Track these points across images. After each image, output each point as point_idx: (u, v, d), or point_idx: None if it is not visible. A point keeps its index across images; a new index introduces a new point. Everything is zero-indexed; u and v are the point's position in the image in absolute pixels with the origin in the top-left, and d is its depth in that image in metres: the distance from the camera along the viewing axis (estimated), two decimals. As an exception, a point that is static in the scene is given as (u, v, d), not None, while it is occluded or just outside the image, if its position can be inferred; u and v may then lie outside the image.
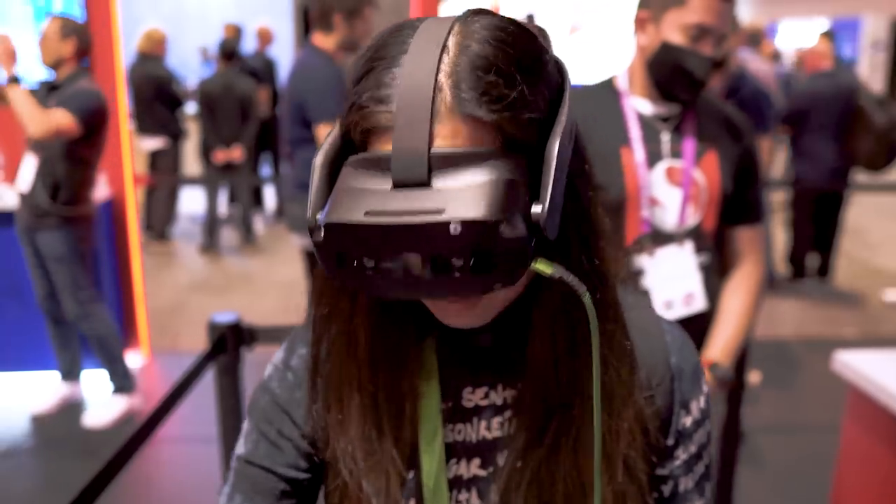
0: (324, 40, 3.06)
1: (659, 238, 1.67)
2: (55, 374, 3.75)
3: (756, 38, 5.89)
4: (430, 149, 0.59)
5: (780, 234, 6.41)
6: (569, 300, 0.69)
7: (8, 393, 3.85)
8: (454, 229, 0.57)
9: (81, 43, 3.34)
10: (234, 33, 7.57)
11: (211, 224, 6.55)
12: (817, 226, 5.93)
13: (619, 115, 1.68)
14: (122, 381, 3.64)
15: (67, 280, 3.39)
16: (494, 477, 0.76)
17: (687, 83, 1.63)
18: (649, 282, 1.66)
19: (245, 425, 0.83)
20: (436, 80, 0.60)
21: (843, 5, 14.46)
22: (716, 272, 1.75)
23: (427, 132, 0.59)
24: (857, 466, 2.06)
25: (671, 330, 0.82)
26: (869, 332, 5.10)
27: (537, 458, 0.73)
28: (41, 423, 3.58)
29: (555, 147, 0.62)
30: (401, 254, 0.59)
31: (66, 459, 3.30)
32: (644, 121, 1.68)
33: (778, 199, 7.57)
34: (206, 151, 6.43)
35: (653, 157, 1.66)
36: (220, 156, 6.26)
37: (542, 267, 0.62)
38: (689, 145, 1.68)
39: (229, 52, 6.35)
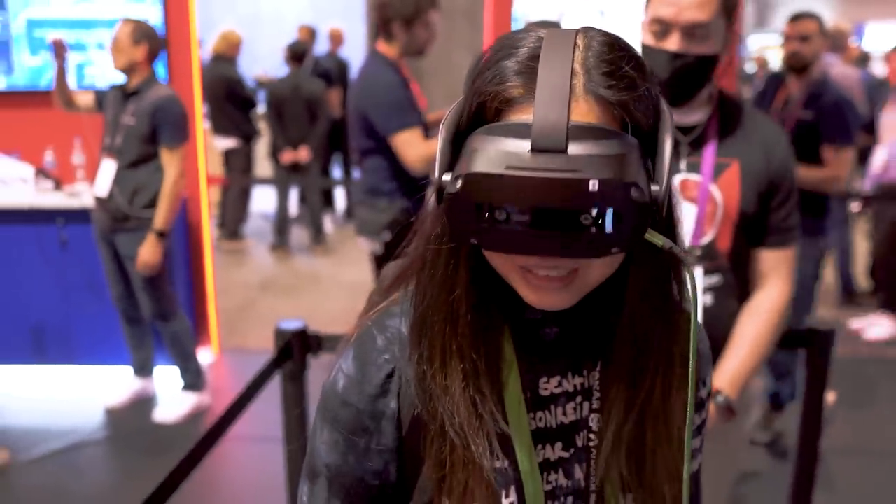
0: (386, 48, 3.05)
1: None
2: (128, 370, 3.85)
3: (839, 42, 5.68)
4: (568, 120, 0.66)
5: (861, 246, 6.17)
6: (657, 280, 0.78)
7: (82, 386, 3.97)
8: (592, 185, 0.64)
9: (153, 47, 3.38)
10: (309, 35, 7.68)
11: (281, 224, 6.64)
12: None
13: None
14: (194, 379, 3.71)
15: (146, 280, 3.46)
16: (576, 457, 0.83)
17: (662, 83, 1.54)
18: None
19: (325, 433, 0.85)
20: (571, 67, 0.69)
21: (933, 7, 13.87)
22: (731, 294, 1.64)
23: (566, 106, 0.67)
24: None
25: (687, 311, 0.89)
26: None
27: (630, 427, 0.81)
28: (113, 417, 3.68)
29: (668, 135, 0.73)
30: (537, 206, 0.66)
31: (137, 453, 3.38)
32: None
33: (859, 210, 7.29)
34: (274, 152, 6.53)
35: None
36: (288, 156, 6.34)
37: (654, 238, 0.70)
38: (709, 158, 1.58)
39: (298, 54, 6.43)
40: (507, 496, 0.80)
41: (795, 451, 2.35)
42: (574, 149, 0.66)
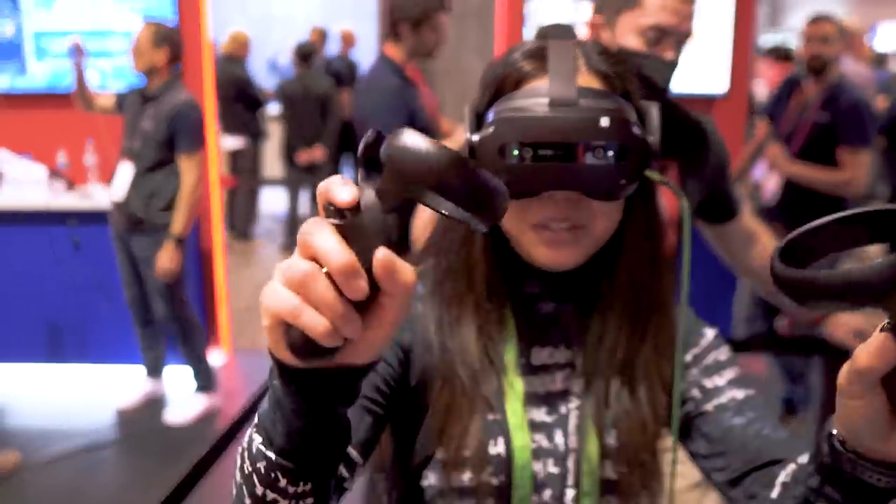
0: (393, 50, 3.03)
1: None
2: (140, 369, 3.85)
3: (853, 41, 5.60)
4: (576, 82, 0.81)
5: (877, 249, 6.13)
6: (650, 236, 0.91)
7: (94, 386, 3.98)
8: (603, 122, 0.78)
9: (174, 50, 3.36)
10: (320, 36, 7.67)
11: (292, 224, 6.64)
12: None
13: None
14: (205, 381, 3.71)
15: (161, 283, 3.45)
16: (558, 423, 0.90)
17: (646, 90, 1.52)
18: None
19: None
20: (574, 50, 0.84)
21: (947, 8, 13.78)
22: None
23: (575, 71, 0.82)
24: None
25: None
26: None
27: (614, 392, 0.90)
28: (124, 418, 3.68)
29: (653, 104, 0.87)
30: (557, 141, 0.78)
31: (148, 454, 3.38)
32: None
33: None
34: (288, 152, 6.53)
35: None
36: (304, 156, 6.34)
37: (654, 175, 0.85)
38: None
39: (305, 54, 6.44)
40: (494, 445, 0.87)
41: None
42: (584, 102, 0.80)
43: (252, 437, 0.63)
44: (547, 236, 0.84)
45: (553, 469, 0.89)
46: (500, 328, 0.90)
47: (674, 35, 1.49)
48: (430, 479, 0.88)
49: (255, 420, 0.63)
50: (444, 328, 0.89)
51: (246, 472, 0.63)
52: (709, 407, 0.92)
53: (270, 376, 0.58)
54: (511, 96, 0.82)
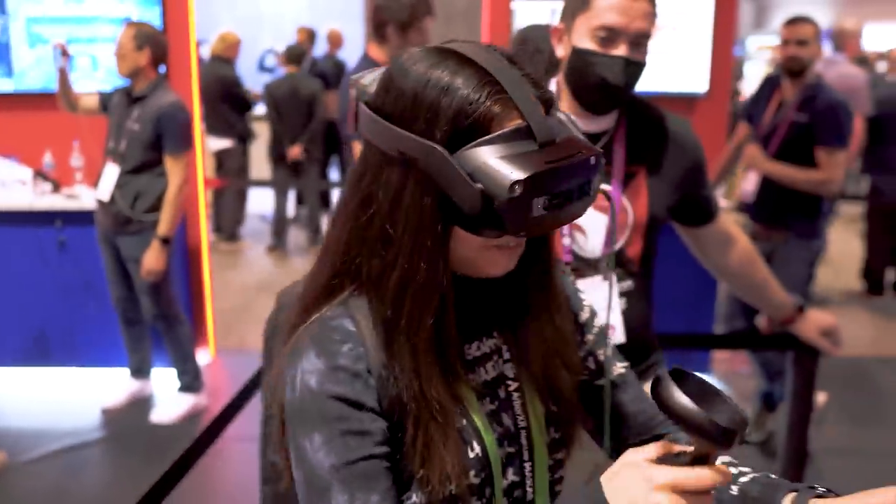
0: (377, 51, 3.05)
1: (581, 266, 1.60)
2: (125, 371, 3.87)
3: (845, 42, 5.61)
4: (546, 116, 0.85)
5: (855, 248, 6.19)
6: (548, 247, 0.97)
7: (80, 387, 3.99)
8: (593, 160, 0.84)
9: (156, 51, 3.36)
10: (307, 37, 7.69)
11: (279, 225, 6.66)
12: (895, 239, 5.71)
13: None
14: (192, 381, 3.73)
15: (149, 283, 3.46)
16: (501, 407, 0.96)
17: (602, 90, 1.54)
18: None
19: (316, 439, 0.86)
20: (521, 74, 0.85)
21: (931, 8, 13.88)
22: (642, 297, 1.70)
23: (542, 107, 0.84)
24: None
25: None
26: (950, 352, 4.88)
27: (539, 365, 0.98)
28: (110, 418, 3.70)
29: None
30: (572, 185, 0.83)
31: (134, 454, 3.40)
32: None
33: (852, 211, 7.31)
34: (275, 153, 6.54)
35: None
36: (294, 153, 6.37)
37: (603, 187, 0.99)
38: (618, 167, 1.60)
39: (295, 56, 6.46)
40: (472, 450, 0.91)
41: (783, 451, 2.37)
42: (561, 135, 0.84)
43: None
44: (506, 251, 0.88)
45: (510, 449, 0.96)
46: (453, 340, 0.93)
47: (624, 34, 1.52)
48: (414, 498, 0.90)
49: None
50: (401, 362, 0.89)
51: None
52: (601, 382, 1.05)
53: None
54: (492, 141, 0.81)
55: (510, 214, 0.80)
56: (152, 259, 3.38)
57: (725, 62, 4.09)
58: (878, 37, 13.89)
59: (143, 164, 3.38)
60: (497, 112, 0.81)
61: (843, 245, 6.90)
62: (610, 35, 1.51)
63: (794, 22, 3.43)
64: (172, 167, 3.37)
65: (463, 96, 0.82)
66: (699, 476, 0.73)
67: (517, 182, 0.78)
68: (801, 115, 3.34)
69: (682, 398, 0.72)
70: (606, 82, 1.52)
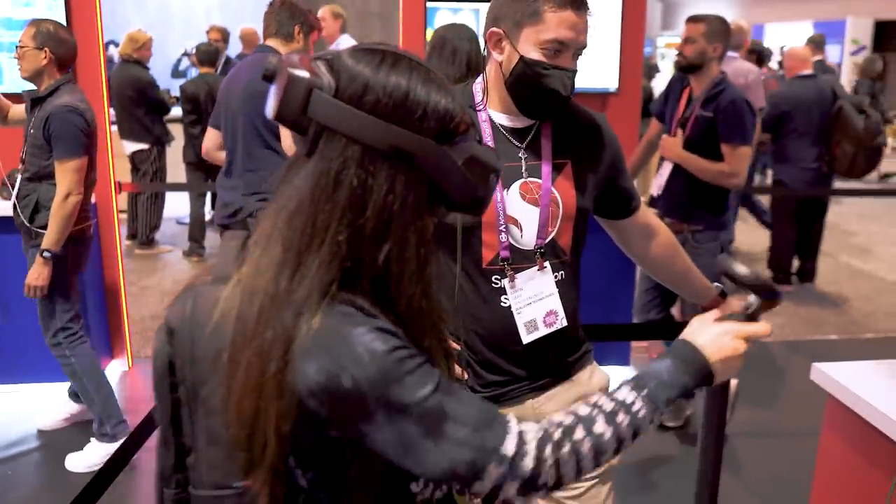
0: (282, 48, 3.24)
1: (518, 258, 1.66)
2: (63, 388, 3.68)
3: (738, 39, 5.85)
4: None
5: (762, 238, 6.44)
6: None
7: (17, 405, 3.81)
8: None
9: (59, 50, 3.11)
10: (220, 36, 7.55)
11: (196, 229, 6.52)
12: (799, 230, 5.96)
13: (477, 129, 1.66)
14: (106, 429, 3.30)
15: (43, 307, 3.20)
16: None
17: (552, 100, 1.62)
18: (511, 304, 1.66)
19: (406, 382, 0.90)
20: None
21: (827, 8, 14.55)
22: (573, 286, 1.76)
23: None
24: (835, 475, 2.07)
25: None
26: (851, 335, 5.14)
27: None
28: (46, 436, 3.56)
29: None
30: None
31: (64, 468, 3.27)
32: (500, 136, 1.67)
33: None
34: (190, 156, 6.38)
35: (509, 177, 1.64)
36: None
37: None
38: (546, 161, 1.67)
39: (208, 56, 6.35)
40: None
41: (701, 436, 2.46)
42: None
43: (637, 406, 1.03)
44: None
45: None
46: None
47: (572, 47, 1.59)
48: (414, 487, 1.02)
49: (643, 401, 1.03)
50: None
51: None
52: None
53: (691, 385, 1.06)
54: (467, 137, 0.98)
55: (487, 198, 0.98)
56: (33, 274, 3.06)
57: (636, 60, 4.22)
58: (778, 36, 14.48)
59: (38, 172, 3.13)
60: (462, 113, 0.97)
61: (750, 236, 7.18)
62: (559, 48, 1.58)
63: (686, 21, 3.57)
64: (59, 175, 3.05)
65: (448, 99, 0.95)
66: (763, 327, 1.11)
67: (497, 171, 0.97)
68: (705, 111, 3.46)
69: (748, 270, 1.11)
70: (557, 93, 1.59)
